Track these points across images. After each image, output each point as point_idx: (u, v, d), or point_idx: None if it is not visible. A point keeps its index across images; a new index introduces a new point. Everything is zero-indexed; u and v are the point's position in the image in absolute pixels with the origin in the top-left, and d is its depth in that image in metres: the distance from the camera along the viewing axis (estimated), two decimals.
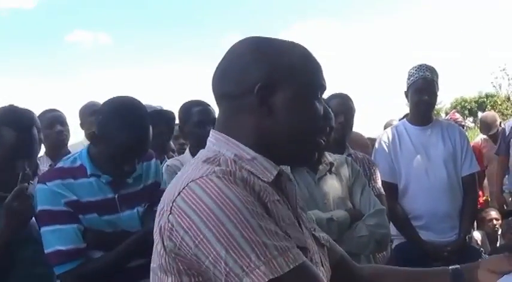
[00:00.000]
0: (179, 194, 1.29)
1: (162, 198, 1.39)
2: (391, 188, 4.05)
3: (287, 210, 1.43)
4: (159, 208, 1.38)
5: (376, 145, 4.26)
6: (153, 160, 2.74)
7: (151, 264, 1.43)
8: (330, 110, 1.54)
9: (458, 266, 1.68)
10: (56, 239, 2.38)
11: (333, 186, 3.07)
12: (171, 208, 1.30)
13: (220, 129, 1.49)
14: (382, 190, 3.61)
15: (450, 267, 1.68)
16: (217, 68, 1.50)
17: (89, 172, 2.49)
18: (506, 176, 6.54)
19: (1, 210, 2.38)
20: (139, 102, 2.56)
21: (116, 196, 2.52)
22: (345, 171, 3.16)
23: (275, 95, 1.42)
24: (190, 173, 1.34)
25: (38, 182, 2.49)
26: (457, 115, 7.34)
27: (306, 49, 1.51)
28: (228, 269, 1.21)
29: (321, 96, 1.50)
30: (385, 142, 4.21)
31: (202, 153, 1.47)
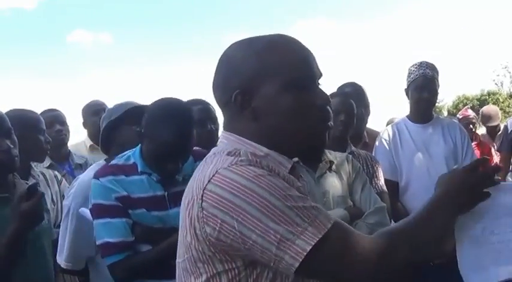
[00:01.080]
0: (209, 181, 1.34)
1: (185, 193, 1.45)
2: (392, 186, 4.03)
3: None
4: (185, 201, 1.42)
5: (377, 143, 4.24)
6: None
7: (177, 260, 1.49)
8: (328, 99, 1.52)
9: None
10: (105, 231, 2.52)
11: (332, 184, 3.06)
12: (202, 196, 1.34)
13: (228, 129, 1.53)
14: (384, 188, 3.60)
15: None
16: (214, 73, 1.55)
17: (140, 170, 2.61)
18: (509, 173, 6.53)
19: (6, 209, 2.42)
20: (185, 103, 2.68)
21: (166, 193, 2.61)
22: (346, 169, 3.14)
23: (255, 98, 1.44)
24: (216, 163, 1.39)
25: (92, 178, 2.64)
26: (469, 112, 7.33)
27: (286, 39, 1.51)
28: (279, 237, 1.28)
29: (311, 83, 1.49)
30: (385, 139, 4.20)
31: (217, 149, 1.52)
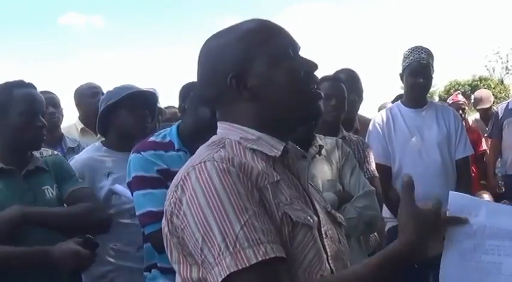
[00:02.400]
0: (180, 180, 1.38)
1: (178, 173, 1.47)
2: (385, 170, 4.05)
3: (291, 189, 1.46)
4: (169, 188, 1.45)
5: (370, 127, 4.25)
6: None
7: None
8: (309, 60, 1.55)
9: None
10: (147, 201, 2.59)
11: (321, 169, 3.06)
12: (174, 192, 1.39)
13: (223, 118, 1.55)
14: (376, 172, 3.61)
15: None
16: (196, 75, 1.58)
17: (176, 147, 2.71)
18: (499, 160, 6.57)
19: (9, 181, 2.62)
20: None
21: None
22: (335, 154, 3.15)
23: (249, 78, 1.47)
24: (194, 158, 1.43)
25: (132, 152, 2.74)
26: (459, 97, 7.35)
27: (259, 20, 1.56)
28: (203, 256, 1.28)
29: (295, 53, 1.53)
30: (379, 124, 4.21)
31: (211, 138, 1.55)
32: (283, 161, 1.50)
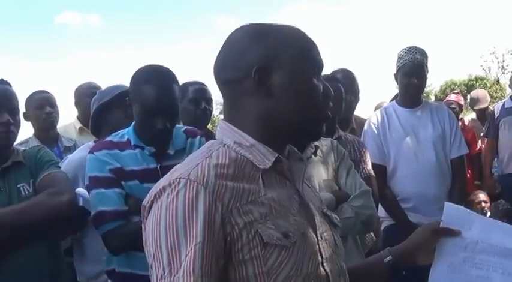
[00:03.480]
0: (158, 191, 1.38)
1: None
2: (380, 170, 4.06)
3: (283, 196, 1.47)
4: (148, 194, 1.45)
5: (365, 127, 4.27)
6: (198, 137, 2.86)
7: None
8: (329, 86, 1.57)
9: (391, 256, 1.79)
10: (98, 201, 2.57)
11: (318, 169, 3.08)
12: (150, 200, 1.40)
13: (226, 117, 1.54)
14: (371, 172, 3.62)
15: (385, 260, 1.78)
16: (217, 57, 1.55)
17: (133, 143, 2.66)
18: (495, 159, 6.58)
19: None
20: (168, 68, 2.71)
21: (159, 166, 2.65)
22: (331, 154, 3.16)
23: (273, 76, 1.45)
24: (175, 170, 1.42)
25: (88, 153, 2.71)
26: (451, 96, 7.38)
27: (299, 29, 1.55)
28: (152, 272, 1.33)
29: (319, 72, 1.54)
30: (374, 124, 4.22)
31: (204, 145, 1.55)
32: (276, 168, 1.48)
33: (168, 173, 1.43)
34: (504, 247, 1.70)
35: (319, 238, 1.49)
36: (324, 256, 1.48)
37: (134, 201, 2.55)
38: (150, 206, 1.38)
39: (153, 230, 1.33)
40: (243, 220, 1.35)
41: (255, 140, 1.47)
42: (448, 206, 1.78)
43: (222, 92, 1.56)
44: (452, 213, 1.76)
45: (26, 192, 2.65)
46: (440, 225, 1.75)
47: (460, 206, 1.82)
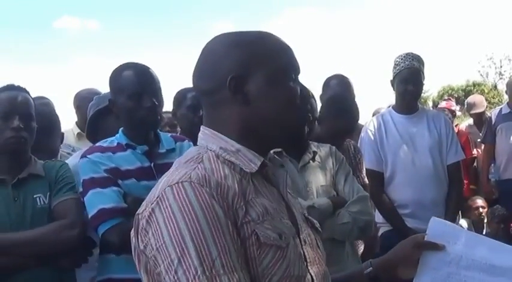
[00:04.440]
0: (157, 197, 1.37)
1: (152, 189, 1.46)
2: (377, 177, 4.08)
3: (271, 201, 1.47)
4: (145, 201, 1.44)
5: (362, 133, 4.27)
6: (186, 141, 2.88)
7: None
8: (310, 93, 1.57)
9: (371, 267, 1.78)
10: (98, 199, 2.54)
11: (315, 174, 3.10)
12: (148, 209, 1.38)
13: (207, 124, 1.54)
14: (366, 180, 3.64)
15: (365, 271, 1.78)
16: (194, 67, 1.56)
17: (124, 143, 2.69)
18: (492, 165, 6.60)
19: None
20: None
21: (152, 164, 2.67)
22: (329, 160, 3.18)
23: (248, 83, 1.46)
24: (170, 176, 1.41)
25: (80, 158, 2.70)
26: (442, 103, 7.44)
27: (273, 35, 1.56)
28: (176, 278, 1.27)
29: (296, 76, 1.54)
30: (371, 130, 4.23)
31: (188, 152, 1.55)
32: (262, 172, 1.50)
33: (162, 181, 1.43)
34: (489, 264, 1.67)
35: (302, 242, 1.51)
36: (308, 260, 1.50)
37: (133, 199, 2.53)
38: (151, 213, 1.36)
39: (173, 235, 1.29)
40: (245, 219, 1.37)
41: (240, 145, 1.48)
42: (434, 220, 1.77)
43: (201, 101, 1.58)
44: (437, 227, 1.75)
45: (42, 203, 2.65)
46: (425, 239, 1.74)
47: (446, 221, 1.81)
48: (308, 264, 1.49)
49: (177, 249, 1.28)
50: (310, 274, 1.48)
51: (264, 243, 1.37)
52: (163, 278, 1.31)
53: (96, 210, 2.53)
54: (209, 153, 1.47)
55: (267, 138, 1.51)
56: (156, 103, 2.64)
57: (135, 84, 2.63)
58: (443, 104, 7.38)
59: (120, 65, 2.75)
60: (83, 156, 2.68)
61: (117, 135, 2.74)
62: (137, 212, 1.43)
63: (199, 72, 1.54)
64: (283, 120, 1.49)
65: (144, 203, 1.42)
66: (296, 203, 1.67)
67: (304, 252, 1.49)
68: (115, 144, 2.71)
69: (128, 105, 2.65)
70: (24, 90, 2.75)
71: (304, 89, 1.55)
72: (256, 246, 1.36)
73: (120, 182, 2.59)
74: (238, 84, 1.46)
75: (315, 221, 1.68)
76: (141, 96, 2.62)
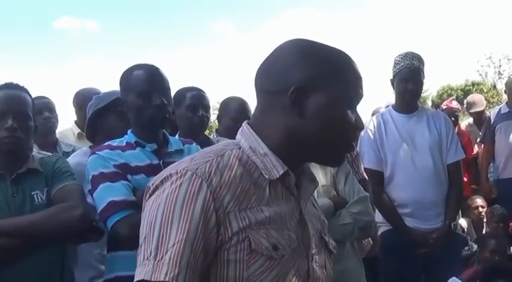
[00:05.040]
0: (164, 177, 1.42)
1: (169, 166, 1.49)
2: (377, 176, 4.09)
3: (284, 210, 1.47)
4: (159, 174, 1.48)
5: (362, 133, 4.24)
6: (194, 144, 2.91)
7: None
8: (361, 119, 1.56)
9: None
10: (108, 193, 2.53)
11: (315, 174, 3.07)
12: (154, 184, 1.44)
13: (252, 121, 1.56)
14: (365, 174, 3.64)
15: None
16: (262, 63, 1.55)
17: (133, 141, 2.70)
18: (491, 164, 6.60)
19: None
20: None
21: (161, 162, 2.68)
22: None
23: (309, 99, 1.46)
24: (185, 160, 1.46)
25: (89, 155, 2.71)
26: (454, 103, 7.41)
27: (351, 60, 1.55)
28: (138, 252, 1.36)
29: (357, 105, 1.53)
30: (370, 130, 4.23)
31: (219, 143, 1.59)
32: (283, 180, 1.49)
33: (177, 162, 1.47)
34: None
35: (310, 258, 1.51)
36: (311, 276, 1.50)
37: (142, 193, 2.52)
38: (154, 190, 1.42)
39: (150, 213, 1.37)
40: (238, 225, 1.37)
41: (271, 150, 1.47)
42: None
43: (257, 98, 1.57)
44: None
45: (40, 200, 2.65)
46: None
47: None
48: (310, 280, 1.50)
49: (147, 228, 1.35)
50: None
51: (254, 250, 1.37)
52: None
53: (106, 203, 2.51)
54: (235, 151, 1.48)
55: (304, 153, 1.51)
56: (165, 102, 2.66)
57: (145, 82, 2.67)
58: (454, 104, 7.34)
59: (131, 66, 2.78)
60: (93, 152, 2.69)
61: (126, 135, 2.76)
62: (147, 184, 1.48)
63: (265, 71, 1.54)
64: (329, 143, 1.49)
65: (154, 178, 1.46)
66: (317, 220, 1.66)
67: (309, 268, 1.50)
68: (124, 143, 2.72)
69: (137, 103, 2.67)
70: (22, 88, 2.74)
71: (359, 121, 1.54)
72: (246, 251, 1.36)
73: (129, 177, 2.59)
74: (299, 96, 1.45)
75: (331, 242, 1.68)
76: (151, 95, 2.64)
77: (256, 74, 1.56)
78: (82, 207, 2.62)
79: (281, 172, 1.46)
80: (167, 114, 2.72)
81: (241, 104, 3.96)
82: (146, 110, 2.65)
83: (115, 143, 2.73)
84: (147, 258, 1.31)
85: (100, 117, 3.18)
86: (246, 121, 1.58)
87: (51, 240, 2.57)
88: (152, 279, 1.28)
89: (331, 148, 1.50)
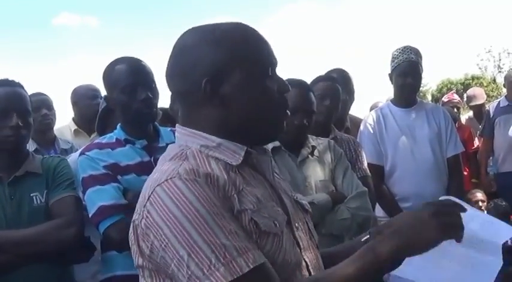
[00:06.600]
0: (148, 199, 1.35)
1: (141, 192, 1.43)
2: (378, 170, 4.07)
3: (261, 189, 1.46)
4: (137, 206, 1.41)
5: (362, 127, 4.27)
6: None
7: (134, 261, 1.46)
8: (285, 82, 1.54)
9: (368, 235, 1.67)
10: (97, 197, 2.50)
11: (314, 169, 3.08)
12: (142, 213, 1.35)
13: (184, 123, 1.53)
14: (368, 171, 3.62)
15: (362, 239, 1.69)
16: (167, 64, 1.54)
17: (123, 138, 2.66)
18: (491, 158, 6.59)
19: None
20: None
21: (152, 159, 2.64)
22: (328, 154, 3.17)
23: (224, 85, 1.44)
24: (158, 175, 1.39)
25: (78, 156, 2.68)
26: (455, 96, 7.40)
27: (249, 29, 1.53)
28: (190, 272, 1.26)
29: (274, 70, 1.52)
30: (370, 124, 4.23)
31: (169, 149, 1.53)
32: (248, 162, 1.49)
33: (149, 182, 1.40)
34: (479, 239, 1.65)
35: (294, 229, 1.50)
36: (301, 246, 1.50)
37: (133, 194, 2.49)
38: (147, 215, 1.33)
39: (176, 232, 1.27)
40: (241, 207, 1.36)
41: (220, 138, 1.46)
42: (444, 199, 1.73)
43: (176, 100, 1.58)
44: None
45: (38, 202, 2.62)
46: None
47: (453, 198, 1.75)
48: (302, 250, 1.49)
49: (184, 244, 1.26)
50: (305, 260, 1.48)
51: (264, 231, 1.37)
52: (176, 276, 1.29)
53: (96, 207, 2.49)
54: (192, 149, 1.45)
55: (248, 134, 1.50)
56: (151, 95, 2.62)
57: (128, 76, 2.62)
58: (456, 97, 7.33)
59: (112, 61, 2.73)
60: (82, 153, 2.66)
61: (115, 131, 2.73)
62: (133, 219, 1.40)
63: (172, 72, 1.52)
64: (259, 119, 1.48)
65: (137, 208, 1.40)
66: (285, 186, 1.65)
67: (297, 238, 1.49)
68: (113, 140, 2.68)
69: (122, 99, 2.63)
70: (18, 85, 2.72)
71: (282, 84, 1.52)
72: (256, 234, 1.36)
73: (120, 177, 2.56)
74: (213, 87, 1.44)
75: (303, 202, 1.67)
76: (135, 89, 2.60)
77: (166, 78, 1.54)
78: (77, 224, 2.60)
79: (242, 154, 1.46)
80: (154, 108, 2.68)
81: None
82: (132, 106, 2.61)
83: (104, 140, 2.70)
84: (210, 267, 1.24)
85: (111, 113, 3.16)
86: (177, 125, 1.55)
87: (42, 256, 2.54)
88: (235, 277, 1.24)
89: (264, 123, 1.49)
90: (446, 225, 1.39)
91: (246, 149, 1.47)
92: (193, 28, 1.54)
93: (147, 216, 1.33)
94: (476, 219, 1.69)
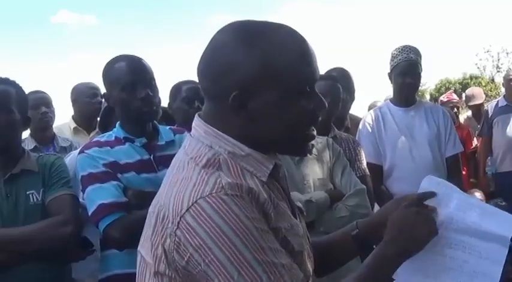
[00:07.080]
0: (187, 210, 1.26)
1: (160, 200, 1.37)
2: (376, 169, 4.07)
3: (284, 203, 1.44)
4: (158, 211, 1.34)
5: (360, 126, 4.27)
6: (185, 133, 2.83)
7: (139, 248, 1.42)
8: (323, 100, 1.44)
9: (357, 229, 1.73)
10: (97, 195, 2.49)
11: (313, 167, 3.09)
12: (178, 223, 1.26)
13: (207, 119, 1.43)
14: (367, 171, 3.62)
15: (352, 233, 1.73)
16: (201, 57, 1.42)
17: (122, 136, 2.65)
18: (489, 158, 6.60)
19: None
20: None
21: (152, 156, 2.65)
22: (326, 153, 3.17)
23: (254, 100, 1.34)
24: (197, 186, 1.29)
25: (78, 154, 2.67)
26: (454, 95, 7.41)
27: (294, 38, 1.39)
28: None
29: (312, 85, 1.40)
30: (369, 123, 4.23)
31: (197, 148, 1.40)
32: (274, 174, 1.42)
33: (185, 190, 1.30)
34: (479, 229, 1.63)
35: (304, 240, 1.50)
36: (304, 252, 1.48)
37: (133, 192, 2.51)
38: (187, 226, 1.25)
39: (225, 249, 1.22)
40: (276, 225, 1.35)
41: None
42: (429, 178, 1.73)
43: (205, 97, 1.47)
44: (430, 187, 1.70)
45: (35, 200, 2.61)
46: (416, 198, 1.67)
47: (441, 180, 1.74)
48: (305, 257, 1.47)
49: (233, 261, 1.22)
50: (310, 270, 1.47)
51: (297, 251, 1.38)
52: None
53: (95, 206, 2.47)
54: (224, 156, 1.36)
55: (272, 149, 1.44)
56: (151, 93, 2.61)
57: (128, 75, 2.60)
58: (454, 96, 7.34)
59: (112, 59, 2.72)
60: (81, 151, 2.64)
61: (114, 129, 2.71)
62: (162, 225, 1.31)
63: (205, 68, 1.41)
64: (286, 138, 1.40)
65: (167, 214, 1.30)
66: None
67: (304, 246, 1.48)
68: (113, 138, 2.67)
69: (121, 97, 2.62)
70: (10, 83, 2.69)
71: (318, 104, 1.42)
72: (291, 253, 1.36)
73: (119, 175, 2.55)
74: (242, 101, 1.33)
75: (297, 206, 1.64)
76: (135, 87, 2.59)
77: (197, 72, 1.43)
78: (73, 222, 2.58)
79: (270, 167, 1.40)
80: (154, 107, 2.66)
81: None
82: (132, 104, 2.60)
83: (103, 138, 2.69)
84: None
85: (113, 109, 3.17)
86: (198, 119, 1.46)
87: (39, 255, 2.53)
88: None
89: (290, 142, 1.42)
90: (429, 216, 1.49)
91: (275, 163, 1.41)
92: (232, 24, 1.41)
93: (187, 228, 1.25)
94: (474, 209, 1.66)
